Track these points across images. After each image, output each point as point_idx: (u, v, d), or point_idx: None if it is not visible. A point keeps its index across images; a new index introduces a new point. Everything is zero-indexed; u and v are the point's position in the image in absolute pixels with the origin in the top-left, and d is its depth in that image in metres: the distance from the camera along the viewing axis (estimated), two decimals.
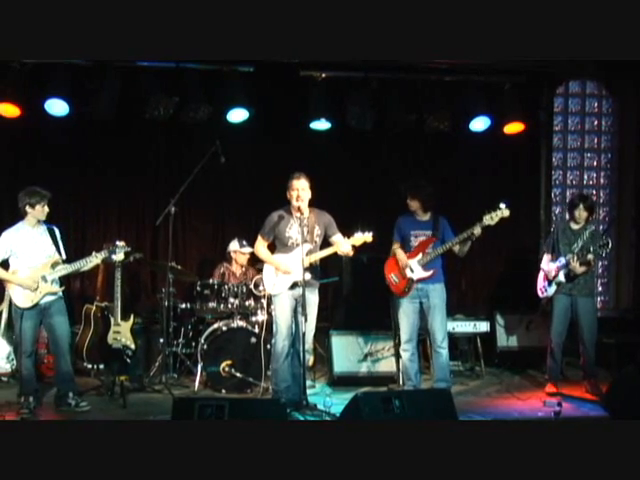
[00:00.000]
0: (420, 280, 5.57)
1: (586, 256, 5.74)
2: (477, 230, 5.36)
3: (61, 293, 5.39)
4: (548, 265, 5.99)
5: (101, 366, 6.31)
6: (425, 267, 5.55)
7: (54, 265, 5.31)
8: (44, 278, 5.23)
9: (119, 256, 5.50)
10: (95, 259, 5.41)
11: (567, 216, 6.34)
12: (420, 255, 5.59)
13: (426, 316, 5.62)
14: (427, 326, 5.67)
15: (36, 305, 5.23)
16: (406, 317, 5.64)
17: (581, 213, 5.91)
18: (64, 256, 5.43)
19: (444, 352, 5.58)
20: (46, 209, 5.30)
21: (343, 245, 5.24)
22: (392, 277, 5.72)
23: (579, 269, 5.77)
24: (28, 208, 5.24)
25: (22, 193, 5.25)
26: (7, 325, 5.82)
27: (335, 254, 5.34)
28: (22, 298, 5.20)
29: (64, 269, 5.32)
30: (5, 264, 5.29)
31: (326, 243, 5.46)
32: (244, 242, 6.55)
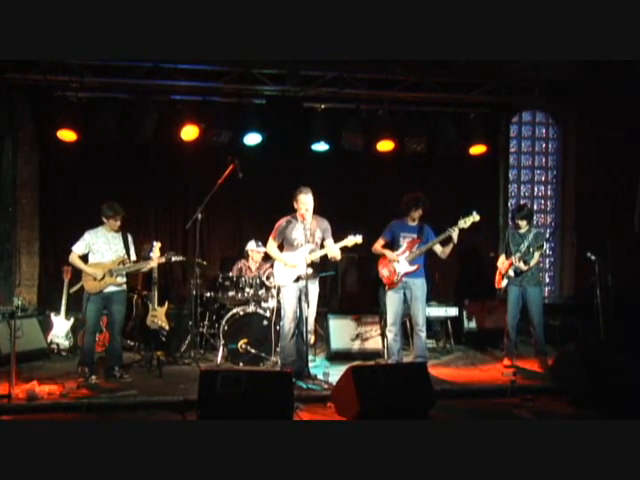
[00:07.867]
0: (406, 273, 5.61)
1: (531, 254, 5.79)
2: (455, 233, 5.42)
3: (125, 286, 5.50)
4: (502, 263, 6.05)
5: (142, 344, 6.40)
6: (411, 262, 5.61)
7: (121, 263, 5.43)
8: (110, 272, 5.36)
9: (178, 257, 5.71)
10: (152, 262, 5.57)
11: (513, 224, 6.41)
12: (407, 252, 5.64)
13: (409, 305, 5.67)
14: (410, 313, 5.73)
15: (101, 292, 5.36)
16: (392, 305, 5.69)
17: (519, 222, 5.99)
18: (134, 257, 5.57)
19: (423, 335, 5.66)
20: (118, 223, 5.45)
21: (332, 250, 5.29)
22: (384, 271, 5.75)
23: (523, 267, 5.85)
24: (104, 219, 5.43)
25: (104, 205, 5.41)
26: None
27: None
28: (91, 285, 5.36)
29: (127, 267, 5.45)
30: (84, 258, 5.47)
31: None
32: (259, 243, 6.51)
